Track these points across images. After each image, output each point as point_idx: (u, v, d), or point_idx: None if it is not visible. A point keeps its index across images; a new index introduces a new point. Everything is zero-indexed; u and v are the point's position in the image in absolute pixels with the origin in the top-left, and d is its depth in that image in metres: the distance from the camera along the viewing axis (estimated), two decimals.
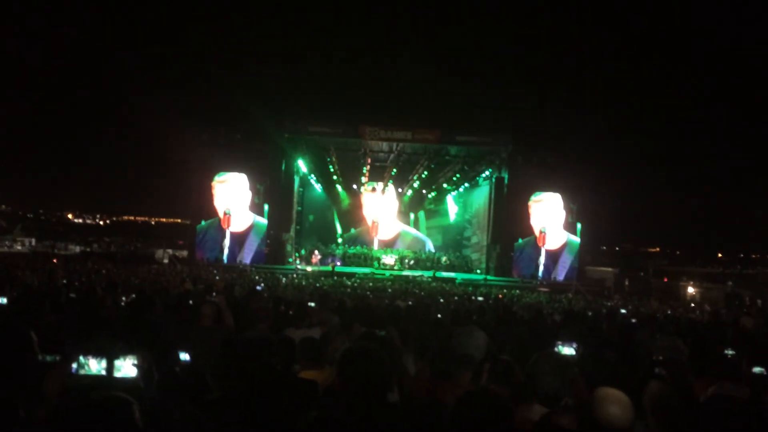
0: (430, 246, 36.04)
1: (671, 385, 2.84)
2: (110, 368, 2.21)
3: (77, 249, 43.30)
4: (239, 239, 29.71)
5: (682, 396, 2.77)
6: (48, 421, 1.67)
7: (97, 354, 2.21)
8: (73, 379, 2.18)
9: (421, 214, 36.95)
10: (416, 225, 36.96)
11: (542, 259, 30.18)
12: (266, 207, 30.00)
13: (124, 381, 2.21)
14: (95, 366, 2.20)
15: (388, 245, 34.84)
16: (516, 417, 2.04)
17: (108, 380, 2.17)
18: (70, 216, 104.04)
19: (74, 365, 2.21)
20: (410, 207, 36.48)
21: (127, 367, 2.25)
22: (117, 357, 2.23)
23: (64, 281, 11.57)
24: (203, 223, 29.72)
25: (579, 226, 30.72)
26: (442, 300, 14.71)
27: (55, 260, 16.81)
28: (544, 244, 30.10)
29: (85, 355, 2.21)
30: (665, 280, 40.89)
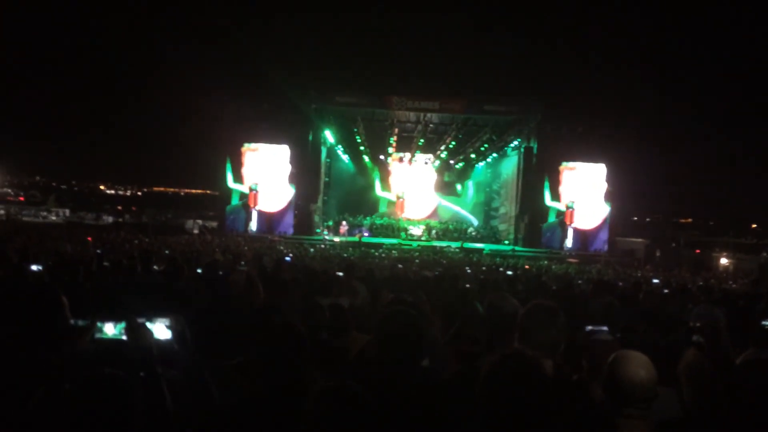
0: (474, 223, 34.87)
1: (709, 352, 2.78)
2: (129, 332, 2.27)
3: (110, 219, 44.13)
4: (269, 220, 29.72)
5: (720, 363, 2.71)
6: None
7: (113, 319, 2.28)
8: (94, 343, 2.25)
9: (468, 184, 35.90)
10: (463, 198, 36.09)
11: (569, 242, 29.83)
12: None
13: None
14: (111, 330, 2.28)
15: None
16: None
17: (126, 344, 2.23)
18: (102, 187, 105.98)
19: (94, 330, 2.29)
20: (457, 178, 35.65)
21: (159, 330, 2.29)
22: (150, 320, 2.28)
23: (98, 251, 11.79)
24: (232, 203, 29.97)
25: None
26: (469, 270, 14.68)
27: (89, 238, 17.22)
28: (571, 222, 29.71)
29: (102, 320, 2.28)
30: (697, 251, 40.17)
